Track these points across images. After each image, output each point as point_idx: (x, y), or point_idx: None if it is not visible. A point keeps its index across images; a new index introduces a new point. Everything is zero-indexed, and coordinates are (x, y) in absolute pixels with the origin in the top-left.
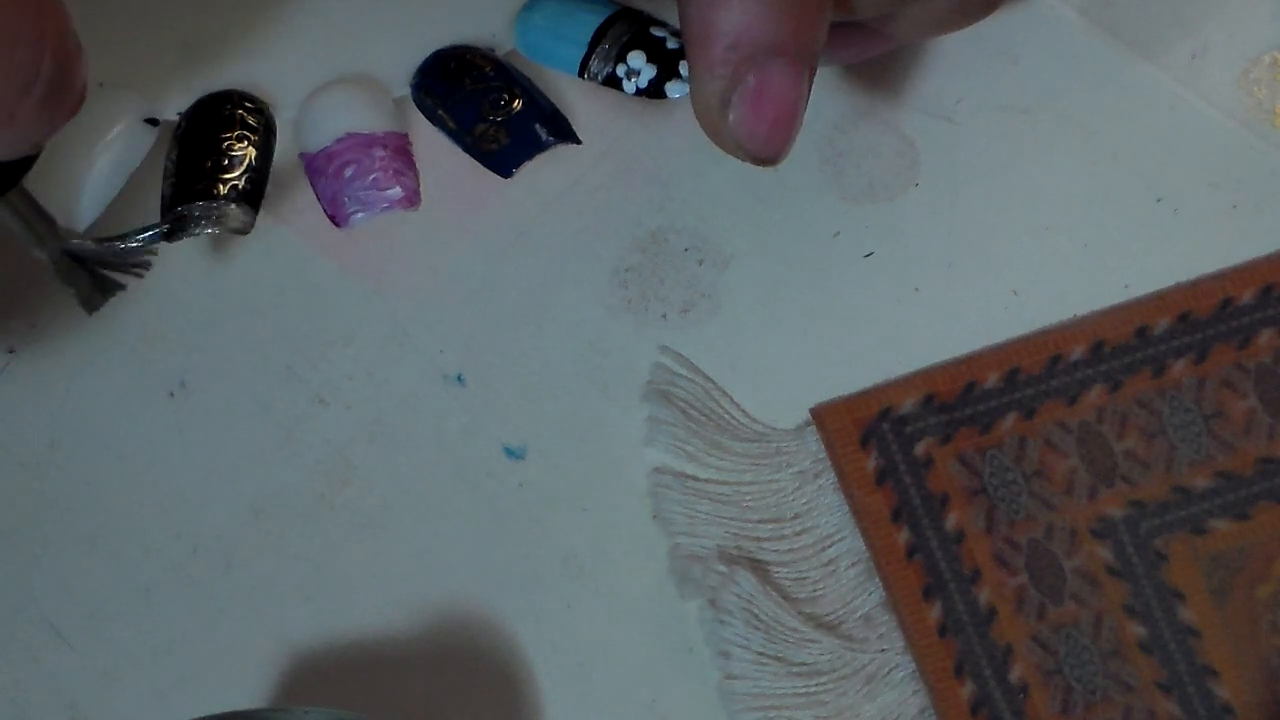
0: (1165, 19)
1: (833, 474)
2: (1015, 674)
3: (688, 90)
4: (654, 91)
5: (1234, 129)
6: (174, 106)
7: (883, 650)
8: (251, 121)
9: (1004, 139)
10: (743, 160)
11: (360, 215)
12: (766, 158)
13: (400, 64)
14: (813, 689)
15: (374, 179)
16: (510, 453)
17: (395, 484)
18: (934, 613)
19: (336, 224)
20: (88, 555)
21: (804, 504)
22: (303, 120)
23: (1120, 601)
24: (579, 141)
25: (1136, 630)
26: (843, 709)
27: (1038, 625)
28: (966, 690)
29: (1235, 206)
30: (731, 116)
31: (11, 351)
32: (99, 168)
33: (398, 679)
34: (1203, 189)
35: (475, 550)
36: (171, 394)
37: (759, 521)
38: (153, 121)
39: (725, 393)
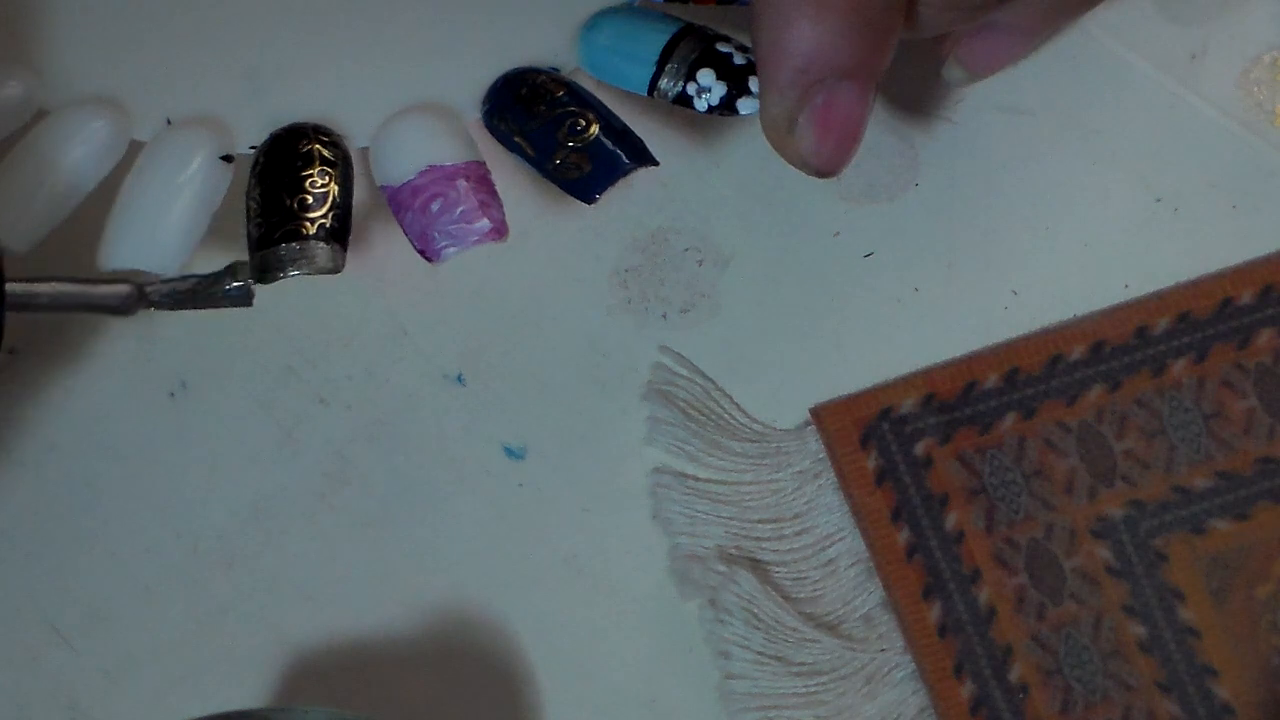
0: (1165, 19)
1: (833, 474)
2: (1015, 674)
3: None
4: (726, 108)
5: (1234, 129)
6: (244, 139)
7: (883, 650)
8: (329, 155)
9: (1004, 139)
10: (805, 173)
11: (452, 250)
12: (829, 172)
13: (465, 86)
14: (813, 689)
15: (461, 212)
16: (510, 453)
17: (395, 484)
18: (934, 613)
19: (427, 258)
20: (88, 555)
21: (804, 504)
22: (379, 151)
23: (1120, 601)
24: (657, 163)
25: (1136, 630)
26: (843, 709)
27: (1038, 625)
28: (966, 690)
29: (1235, 206)
30: (798, 134)
31: (11, 352)
32: (180, 209)
33: (398, 679)
34: (1203, 189)
35: (475, 550)
36: (171, 394)
37: (759, 521)
38: (228, 158)
39: (725, 393)
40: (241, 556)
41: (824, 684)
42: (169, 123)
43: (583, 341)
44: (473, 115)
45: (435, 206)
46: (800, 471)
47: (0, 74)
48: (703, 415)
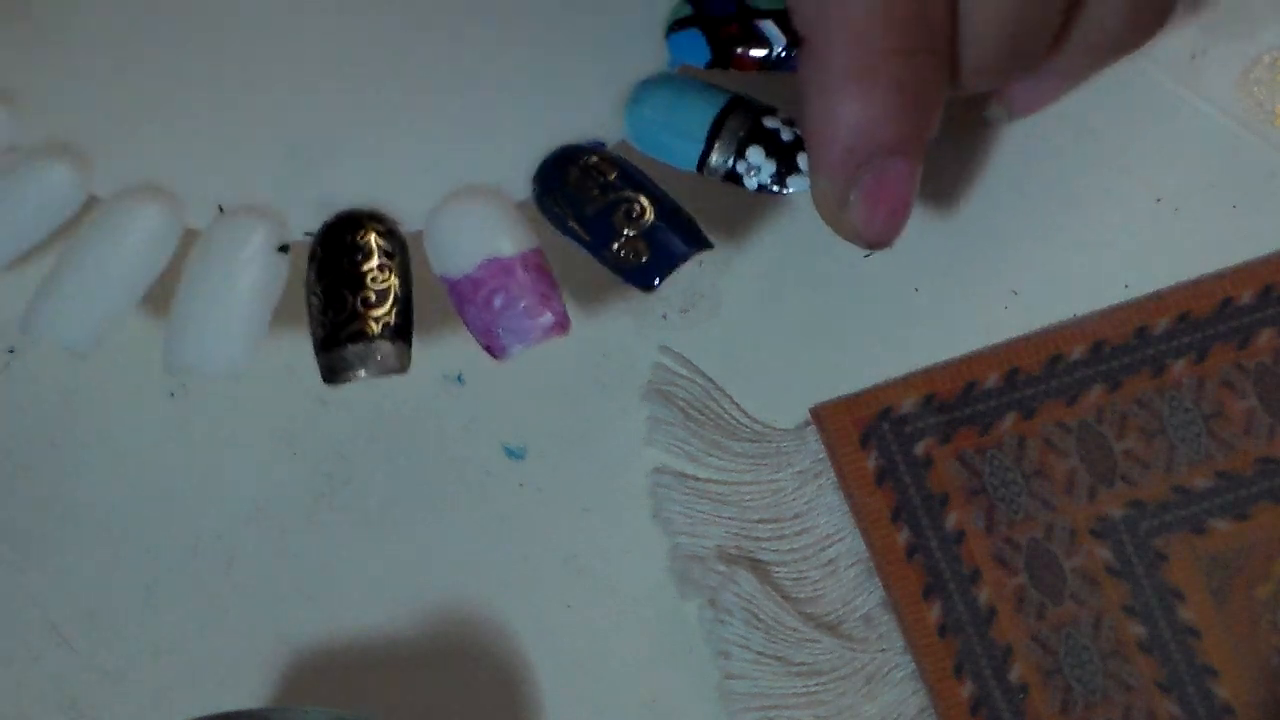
0: None
1: (833, 474)
2: (1015, 674)
3: (807, 184)
4: (775, 185)
5: (1234, 129)
6: (295, 221)
7: (883, 650)
8: (386, 245)
9: (1004, 139)
10: (858, 246)
11: (518, 348)
12: (881, 244)
13: (513, 162)
14: (813, 689)
15: (524, 307)
16: (510, 453)
17: (395, 484)
18: (934, 613)
19: (493, 355)
20: (88, 555)
21: (804, 504)
22: (434, 241)
23: (1120, 601)
24: (711, 246)
25: (1136, 630)
26: (843, 709)
27: (1038, 625)
28: (966, 690)
29: (1235, 206)
30: (850, 210)
31: (11, 351)
32: (240, 306)
33: (398, 679)
34: (1203, 189)
35: (475, 550)
36: (171, 394)
37: (759, 521)
38: (284, 249)
39: (725, 393)
40: (241, 556)
41: (824, 684)
42: (221, 210)
43: (583, 341)
44: (523, 193)
45: (497, 302)
46: (800, 471)
47: (46, 161)
48: (703, 415)
